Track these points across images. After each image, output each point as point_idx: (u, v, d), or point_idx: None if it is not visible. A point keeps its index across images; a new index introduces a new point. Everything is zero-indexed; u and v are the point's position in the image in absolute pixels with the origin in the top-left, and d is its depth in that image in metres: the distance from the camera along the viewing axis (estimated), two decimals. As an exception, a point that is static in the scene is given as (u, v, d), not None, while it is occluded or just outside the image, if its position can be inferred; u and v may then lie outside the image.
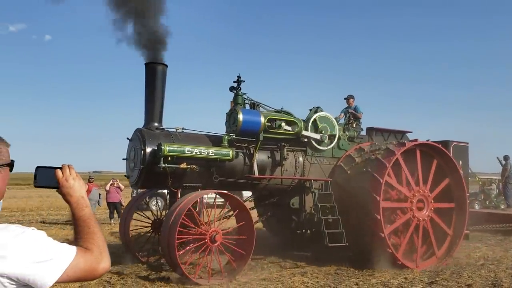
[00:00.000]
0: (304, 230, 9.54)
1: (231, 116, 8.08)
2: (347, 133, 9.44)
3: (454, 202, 9.02)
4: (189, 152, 7.41)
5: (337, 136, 9.05)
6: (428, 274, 7.67)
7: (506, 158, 16.01)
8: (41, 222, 16.01)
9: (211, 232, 7.07)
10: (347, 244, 8.04)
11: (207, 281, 6.94)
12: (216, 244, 7.10)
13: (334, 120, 9.10)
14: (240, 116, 7.84)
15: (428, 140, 8.71)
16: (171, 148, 7.27)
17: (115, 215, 15.11)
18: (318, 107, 9.04)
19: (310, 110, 9.11)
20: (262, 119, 8.06)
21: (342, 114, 10.50)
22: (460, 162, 9.75)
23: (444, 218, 8.94)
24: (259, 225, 10.94)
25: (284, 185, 8.70)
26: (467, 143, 10.11)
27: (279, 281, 7.22)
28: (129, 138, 7.94)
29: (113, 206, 15.10)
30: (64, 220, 16.18)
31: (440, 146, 8.78)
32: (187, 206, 6.89)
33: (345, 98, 10.71)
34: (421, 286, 6.88)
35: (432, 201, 8.61)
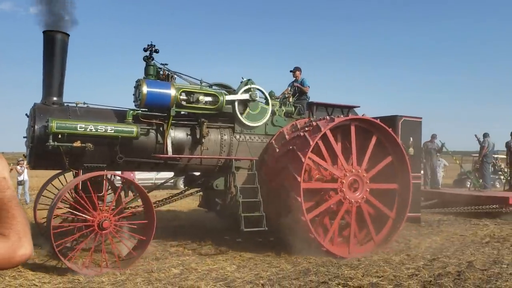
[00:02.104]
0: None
1: (137, 89, 7.26)
2: (283, 108, 8.51)
3: (397, 183, 8.07)
4: (82, 129, 6.65)
5: (269, 111, 8.14)
6: (432, 252, 7.52)
7: (485, 135, 14.71)
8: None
9: (99, 218, 6.36)
10: (266, 228, 7.23)
11: (98, 270, 6.25)
12: (106, 231, 6.39)
13: (267, 94, 8.17)
14: (144, 88, 7.01)
15: (363, 115, 7.72)
16: (61, 125, 6.52)
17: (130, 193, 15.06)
18: (249, 79, 8.12)
19: (241, 82, 8.21)
20: (173, 92, 7.21)
21: (289, 88, 9.59)
22: (411, 138, 8.78)
23: (388, 200, 8.06)
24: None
25: (207, 165, 7.88)
26: (420, 118, 9.11)
27: (283, 257, 7.19)
28: (27, 114, 7.24)
29: (127, 185, 14.72)
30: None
31: (376, 120, 7.78)
32: (66, 190, 6.22)
33: (291, 71, 9.82)
34: (423, 262, 6.74)
35: (368, 181, 7.68)
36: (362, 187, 7.71)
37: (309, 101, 9.23)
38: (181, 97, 7.32)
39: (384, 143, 7.99)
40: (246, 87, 7.96)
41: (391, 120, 8.67)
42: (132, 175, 15.07)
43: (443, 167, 18.05)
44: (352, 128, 7.59)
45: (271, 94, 8.48)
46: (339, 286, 5.45)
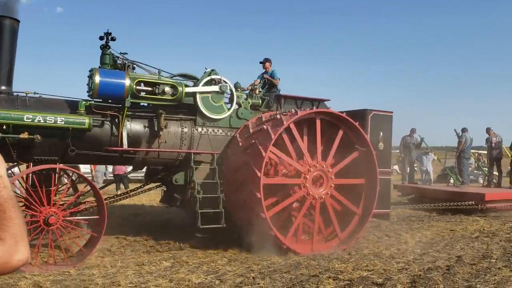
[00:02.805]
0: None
1: (90, 79, 6.93)
2: (249, 100, 8.21)
3: (365, 178, 7.84)
4: (30, 120, 6.32)
5: (234, 103, 7.84)
6: (422, 246, 7.64)
7: (463, 130, 14.46)
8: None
9: (45, 214, 6.06)
10: (225, 225, 6.97)
11: (45, 268, 5.96)
12: (53, 227, 6.10)
13: (231, 85, 7.87)
14: (97, 78, 6.67)
15: (316, 107, 7.48)
16: (5, 115, 6.20)
17: (122, 187, 15.06)
18: (212, 70, 7.81)
19: (204, 73, 7.90)
20: (128, 82, 6.87)
21: (258, 80, 9.31)
22: (381, 133, 8.53)
23: (355, 196, 7.83)
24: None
25: (167, 159, 7.57)
26: (391, 112, 8.80)
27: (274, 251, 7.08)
28: None
29: (118, 178, 14.49)
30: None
31: (342, 114, 7.54)
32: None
33: (260, 62, 9.53)
34: (413, 256, 6.83)
35: (333, 177, 7.44)
36: (326, 182, 7.46)
37: (277, 93, 8.91)
38: (138, 87, 7.01)
39: (351, 137, 7.73)
40: (209, 77, 7.66)
41: (360, 114, 8.40)
42: (124, 168, 14.89)
43: (432, 161, 17.78)
44: (318, 122, 7.32)
45: (236, 85, 8.18)
46: (330, 280, 5.46)
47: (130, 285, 5.26)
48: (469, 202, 11.33)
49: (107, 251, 7.16)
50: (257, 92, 8.35)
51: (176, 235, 8.09)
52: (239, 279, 5.53)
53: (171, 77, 7.71)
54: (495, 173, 15.22)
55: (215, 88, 7.59)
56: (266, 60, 9.43)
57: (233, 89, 7.87)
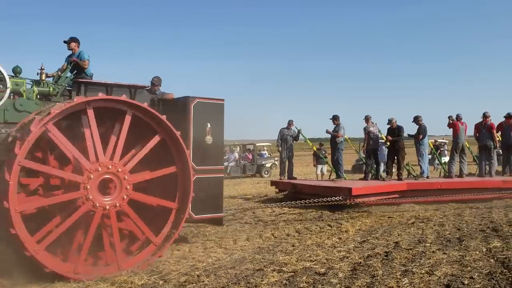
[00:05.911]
0: None
1: None
2: (35, 88, 6.42)
3: (176, 165, 6.40)
4: None
5: (7, 93, 6.01)
6: (362, 234, 7.88)
7: (335, 118, 13.12)
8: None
9: None
10: None
11: None
12: None
13: (3, 71, 6.04)
14: None
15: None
16: None
17: None
18: None
19: None
20: None
21: (65, 64, 7.59)
22: (208, 124, 7.18)
23: (169, 189, 6.44)
24: None
25: None
26: (222, 100, 7.47)
27: (223, 247, 7.19)
28: None
29: None
30: None
31: (127, 99, 6.02)
32: None
33: (65, 42, 7.75)
34: (353, 245, 7.04)
35: (127, 177, 5.86)
36: (120, 185, 5.85)
37: (75, 78, 7.11)
38: None
39: (153, 126, 6.23)
40: None
41: (180, 103, 7.09)
42: None
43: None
44: (90, 112, 5.64)
45: (16, 70, 6.38)
46: (274, 272, 5.50)
47: (68, 291, 4.96)
48: (337, 197, 10.31)
49: None
50: (43, 77, 6.58)
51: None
52: (184, 278, 5.44)
53: None
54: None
55: None
56: (72, 39, 7.71)
57: (5, 75, 6.06)
